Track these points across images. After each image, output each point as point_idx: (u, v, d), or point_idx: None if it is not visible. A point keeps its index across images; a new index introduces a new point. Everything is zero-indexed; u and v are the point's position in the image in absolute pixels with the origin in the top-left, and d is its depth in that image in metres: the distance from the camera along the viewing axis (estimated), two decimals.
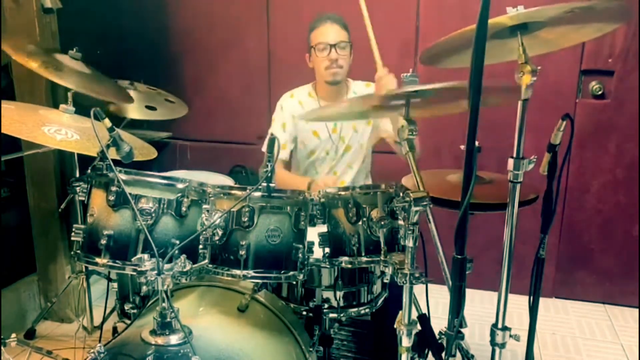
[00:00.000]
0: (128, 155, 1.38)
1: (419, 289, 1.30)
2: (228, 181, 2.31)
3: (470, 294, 2.94)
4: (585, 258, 2.87)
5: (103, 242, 1.30)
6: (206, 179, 1.44)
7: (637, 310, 2.79)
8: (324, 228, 1.50)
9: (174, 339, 1.25)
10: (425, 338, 1.36)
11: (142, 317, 1.48)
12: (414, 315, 1.28)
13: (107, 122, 1.32)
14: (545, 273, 1.63)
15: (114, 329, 1.78)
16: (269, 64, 3.06)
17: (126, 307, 1.67)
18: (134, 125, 2.29)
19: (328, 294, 1.60)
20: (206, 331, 1.37)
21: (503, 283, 1.38)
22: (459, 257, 1.11)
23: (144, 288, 1.26)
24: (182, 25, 3.15)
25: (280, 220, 1.37)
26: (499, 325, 1.40)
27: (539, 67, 1.24)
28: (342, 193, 1.49)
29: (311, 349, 1.56)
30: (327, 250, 1.49)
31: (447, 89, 1.30)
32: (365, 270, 1.61)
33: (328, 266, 1.52)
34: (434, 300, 1.57)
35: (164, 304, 1.24)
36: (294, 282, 1.62)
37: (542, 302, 2.57)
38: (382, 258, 1.40)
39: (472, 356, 1.58)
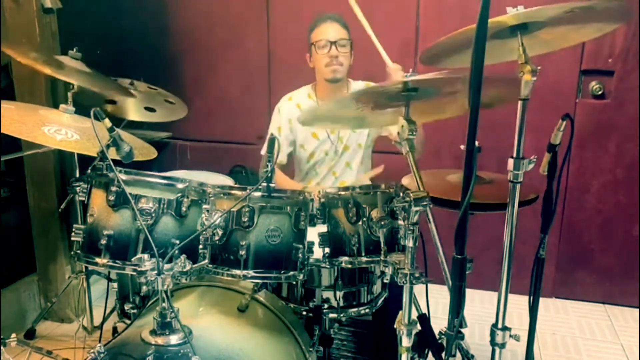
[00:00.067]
0: (128, 155, 1.38)
1: (419, 289, 1.30)
2: (228, 181, 2.31)
3: (470, 294, 2.94)
4: (585, 258, 2.87)
5: (103, 242, 1.30)
6: (206, 179, 1.44)
7: (637, 310, 2.79)
8: (324, 228, 1.50)
9: (174, 339, 1.25)
10: (425, 338, 1.36)
11: (142, 317, 1.48)
12: (414, 315, 1.28)
13: (107, 122, 1.32)
14: (545, 273, 1.63)
15: (114, 329, 1.78)
16: (269, 64, 3.06)
17: (126, 307, 1.67)
18: (134, 125, 2.29)
19: (328, 294, 1.60)
20: (206, 331, 1.37)
21: (503, 283, 1.38)
22: (459, 257, 1.12)
23: (144, 288, 1.26)
24: (182, 25, 3.15)
25: (280, 220, 1.37)
26: (499, 325, 1.40)
27: (539, 67, 1.24)
28: (342, 193, 1.49)
29: (311, 349, 1.56)
30: (327, 250, 1.49)
31: (451, 79, 1.30)
32: (365, 270, 1.61)
33: (328, 266, 1.52)
34: (434, 300, 1.57)
35: (164, 304, 1.24)
36: (294, 282, 1.62)
37: (542, 302, 2.57)
38: (382, 258, 1.40)
39: (472, 356, 1.58)
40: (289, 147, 2.32)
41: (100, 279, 2.70)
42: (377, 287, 1.67)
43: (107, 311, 2.01)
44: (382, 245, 1.40)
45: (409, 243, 1.20)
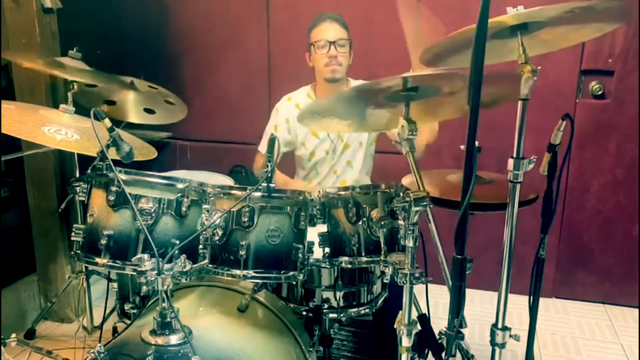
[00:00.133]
0: (128, 155, 1.38)
1: (419, 289, 1.30)
2: (228, 181, 2.31)
3: (470, 294, 2.94)
4: (585, 258, 2.87)
5: (103, 242, 1.30)
6: (206, 179, 1.44)
7: (637, 310, 2.79)
8: (324, 228, 1.50)
9: (174, 339, 1.25)
10: (425, 338, 1.36)
11: (142, 317, 1.48)
12: (414, 315, 1.28)
13: (107, 122, 1.32)
14: (545, 273, 1.63)
15: (114, 329, 1.78)
16: (269, 64, 3.06)
17: (126, 307, 1.67)
18: (134, 125, 2.29)
19: (328, 294, 1.60)
20: (206, 331, 1.37)
21: (503, 283, 1.38)
22: (459, 257, 1.11)
23: (144, 288, 1.26)
24: (182, 25, 3.15)
25: (280, 220, 1.37)
26: (499, 325, 1.40)
27: (539, 67, 1.24)
28: (342, 193, 1.48)
29: (311, 349, 1.56)
30: (327, 250, 1.49)
31: (450, 76, 1.30)
32: (365, 270, 1.61)
33: (328, 266, 1.52)
34: (434, 300, 1.57)
35: (164, 304, 1.24)
36: (294, 282, 1.62)
37: (542, 302, 2.57)
38: (382, 258, 1.40)
39: (472, 356, 1.58)
40: (284, 147, 2.33)
41: (100, 279, 2.70)
42: (377, 287, 1.67)
43: (107, 311, 2.01)
44: (382, 245, 1.40)
45: (409, 243, 1.20)
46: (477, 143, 1.06)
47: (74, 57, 2.00)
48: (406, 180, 1.72)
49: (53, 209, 2.52)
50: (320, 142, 2.29)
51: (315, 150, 2.30)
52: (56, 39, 2.42)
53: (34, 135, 1.56)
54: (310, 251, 1.47)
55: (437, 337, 1.40)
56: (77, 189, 1.40)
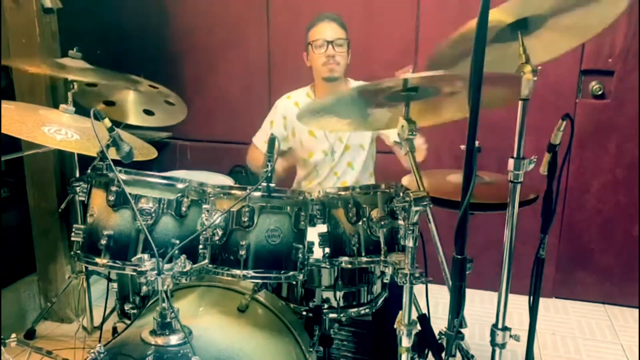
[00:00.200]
0: (128, 155, 1.38)
1: (419, 289, 1.30)
2: (228, 181, 2.31)
3: (470, 294, 2.94)
4: (585, 258, 2.87)
5: (103, 242, 1.30)
6: (206, 179, 1.44)
7: (637, 310, 2.79)
8: (324, 228, 1.50)
9: (173, 339, 1.25)
10: (425, 338, 1.36)
11: (142, 317, 1.48)
12: (414, 315, 1.28)
13: (107, 122, 1.32)
14: (545, 273, 1.63)
15: (114, 329, 1.78)
16: (269, 64, 3.06)
17: (126, 307, 1.67)
18: (134, 125, 2.29)
19: (328, 294, 1.60)
20: (206, 331, 1.36)
21: (503, 283, 1.38)
22: (459, 257, 1.11)
23: (144, 288, 1.26)
24: (182, 26, 3.15)
25: (280, 220, 1.37)
26: (499, 326, 1.40)
27: (539, 67, 1.24)
28: (342, 193, 1.48)
29: (311, 349, 1.56)
30: (327, 250, 1.49)
31: (450, 78, 1.30)
32: (365, 271, 1.61)
33: (328, 266, 1.52)
34: (434, 300, 1.57)
35: (164, 304, 1.24)
36: (294, 282, 1.62)
37: (542, 302, 2.57)
38: (382, 258, 1.40)
39: (472, 356, 1.58)
40: (282, 142, 2.34)
41: (100, 279, 2.70)
42: (377, 287, 1.67)
43: (107, 311, 2.01)
44: (382, 245, 1.40)
45: (409, 243, 1.20)
46: (477, 143, 1.06)
47: (74, 57, 2.00)
48: (406, 180, 1.72)
49: (53, 209, 2.52)
50: (318, 141, 2.29)
51: (313, 151, 2.31)
52: (56, 39, 2.42)
53: (34, 135, 1.56)
54: (310, 251, 1.47)
55: (437, 337, 1.40)
56: (77, 189, 1.40)
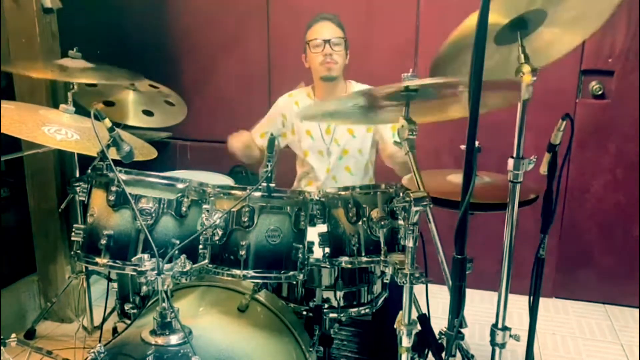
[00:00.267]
0: (128, 155, 1.39)
1: (419, 289, 1.30)
2: (228, 181, 2.31)
3: (470, 294, 2.94)
4: (585, 258, 2.87)
5: (103, 242, 1.30)
6: (206, 179, 1.44)
7: (637, 310, 2.79)
8: (324, 228, 1.50)
9: (174, 339, 1.25)
10: (425, 338, 1.36)
11: (142, 317, 1.48)
12: (414, 315, 1.28)
13: (107, 122, 1.32)
14: (545, 273, 1.63)
15: (114, 329, 1.78)
16: (269, 64, 3.06)
17: (126, 307, 1.67)
18: (133, 125, 2.29)
19: (328, 294, 1.60)
20: (206, 331, 1.37)
21: (503, 283, 1.38)
22: (459, 257, 1.11)
23: (144, 288, 1.27)
24: (182, 26, 3.15)
25: (280, 220, 1.37)
26: (499, 325, 1.40)
27: (538, 67, 1.24)
28: (342, 193, 1.49)
29: (311, 349, 1.56)
30: (327, 250, 1.49)
31: (444, 84, 1.30)
32: (365, 270, 1.61)
33: (328, 266, 1.52)
34: (434, 300, 1.57)
35: (164, 304, 1.24)
36: (294, 282, 1.62)
37: (542, 302, 2.57)
38: (382, 258, 1.40)
39: (472, 356, 1.58)
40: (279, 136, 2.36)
41: (100, 279, 2.70)
42: (377, 287, 1.67)
43: (107, 311, 2.01)
44: (382, 245, 1.40)
45: (409, 243, 1.20)
46: (477, 143, 1.06)
47: (74, 57, 2.00)
48: (406, 180, 1.72)
49: (53, 209, 2.52)
50: (315, 142, 2.29)
51: (308, 150, 2.31)
52: (56, 39, 2.42)
53: (34, 135, 1.56)
54: (310, 251, 1.47)
55: (437, 337, 1.40)
56: (77, 189, 1.40)
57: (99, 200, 1.34)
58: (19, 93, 2.43)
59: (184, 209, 1.35)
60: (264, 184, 1.34)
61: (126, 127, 2.25)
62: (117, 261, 1.31)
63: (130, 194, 1.28)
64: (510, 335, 1.41)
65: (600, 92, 2.69)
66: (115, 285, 1.71)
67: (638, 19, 2.51)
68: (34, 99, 2.37)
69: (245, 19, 3.04)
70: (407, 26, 2.82)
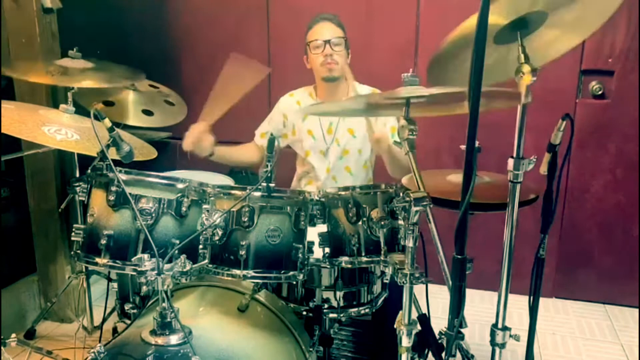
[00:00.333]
0: (128, 155, 1.39)
1: (419, 289, 1.30)
2: (228, 181, 2.31)
3: (470, 294, 2.94)
4: (585, 258, 2.87)
5: (103, 242, 1.30)
6: (206, 179, 1.44)
7: (637, 310, 2.79)
8: (324, 228, 1.50)
9: (174, 339, 1.25)
10: (425, 338, 1.36)
11: (142, 317, 1.48)
12: (414, 315, 1.28)
13: (107, 122, 1.32)
14: (545, 273, 1.63)
15: (114, 329, 1.78)
16: (269, 64, 3.06)
17: (126, 307, 1.67)
18: (134, 125, 2.29)
19: (328, 294, 1.60)
20: (206, 331, 1.36)
21: (503, 283, 1.38)
22: (459, 257, 1.11)
23: (144, 288, 1.27)
24: (182, 26, 3.15)
25: (280, 220, 1.37)
26: (499, 325, 1.40)
27: (538, 67, 1.24)
28: (342, 193, 1.49)
29: (311, 349, 1.56)
30: (327, 250, 1.49)
31: (444, 95, 1.30)
32: (365, 270, 1.61)
33: (328, 266, 1.52)
34: (434, 300, 1.57)
35: (164, 304, 1.24)
36: (294, 282, 1.62)
37: (542, 302, 2.57)
38: (382, 258, 1.40)
39: (472, 356, 1.58)
40: (279, 137, 2.37)
41: (100, 279, 2.70)
42: (377, 287, 1.67)
43: (107, 311, 2.01)
44: (382, 245, 1.40)
45: (409, 243, 1.20)
46: (477, 143, 1.06)
47: (74, 57, 2.00)
48: (406, 181, 1.72)
49: (53, 209, 2.52)
50: (316, 142, 2.29)
51: (309, 150, 2.31)
52: (56, 39, 2.42)
53: (34, 135, 1.57)
54: (310, 251, 1.47)
55: (437, 337, 1.40)
56: (77, 189, 1.40)
57: (99, 200, 1.34)
58: (19, 93, 2.43)
59: (184, 209, 1.35)
60: (264, 184, 1.34)
61: (126, 127, 2.25)
62: (117, 261, 1.31)
63: (130, 194, 1.28)
64: (510, 335, 1.41)
65: (600, 92, 2.69)
66: (115, 285, 1.71)
67: (638, 19, 2.51)
68: (34, 99, 2.37)
69: (245, 19, 3.04)
70: (407, 26, 2.82)
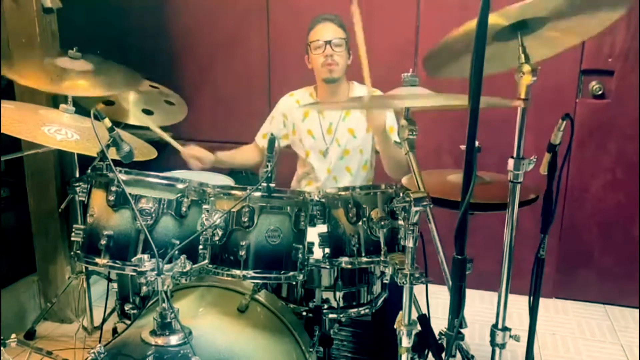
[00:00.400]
0: (128, 155, 1.39)
1: (419, 289, 1.30)
2: (228, 181, 2.31)
3: (470, 294, 2.94)
4: (585, 258, 2.87)
5: (103, 242, 1.30)
6: (206, 179, 1.44)
7: (637, 310, 2.79)
8: (324, 228, 1.50)
9: (173, 339, 1.25)
10: (425, 338, 1.36)
11: (142, 318, 1.48)
12: (414, 315, 1.28)
13: (107, 122, 1.32)
14: (545, 273, 1.63)
15: (114, 330, 1.78)
16: (269, 64, 3.06)
17: (126, 308, 1.67)
18: (134, 124, 2.28)
19: (328, 295, 1.60)
20: (206, 332, 1.36)
21: (503, 283, 1.37)
22: (459, 257, 1.11)
23: (144, 288, 1.27)
24: (182, 26, 3.15)
25: (280, 221, 1.37)
26: (499, 326, 1.40)
27: (539, 67, 1.24)
28: (342, 193, 1.49)
29: (311, 350, 1.56)
30: (327, 250, 1.49)
31: (443, 104, 1.31)
32: (365, 271, 1.61)
33: (328, 266, 1.52)
34: (434, 301, 1.57)
35: (163, 305, 1.24)
36: (294, 283, 1.62)
37: (542, 302, 2.57)
38: (382, 258, 1.40)
39: (472, 356, 1.58)
40: (280, 138, 2.37)
41: (100, 279, 2.70)
42: (377, 288, 1.67)
43: (107, 311, 2.01)
44: (382, 245, 1.40)
45: (409, 243, 1.20)
46: (477, 143, 1.06)
47: (74, 57, 2.00)
48: (406, 181, 1.72)
49: (53, 209, 2.52)
50: (316, 142, 2.29)
51: (309, 150, 2.31)
52: (56, 39, 2.42)
53: (34, 135, 1.57)
54: (310, 251, 1.47)
55: (437, 337, 1.40)
56: (77, 189, 1.41)
57: (98, 200, 1.34)
58: (19, 93, 2.43)
59: (184, 209, 1.35)
60: (264, 184, 1.34)
61: (126, 127, 2.25)
62: (117, 261, 1.31)
63: (130, 194, 1.28)
64: (510, 336, 1.41)
65: (600, 92, 2.69)
66: (115, 285, 1.71)
67: (638, 19, 2.51)
68: (34, 99, 2.37)
69: (245, 19, 3.04)
70: (407, 26, 2.82)
